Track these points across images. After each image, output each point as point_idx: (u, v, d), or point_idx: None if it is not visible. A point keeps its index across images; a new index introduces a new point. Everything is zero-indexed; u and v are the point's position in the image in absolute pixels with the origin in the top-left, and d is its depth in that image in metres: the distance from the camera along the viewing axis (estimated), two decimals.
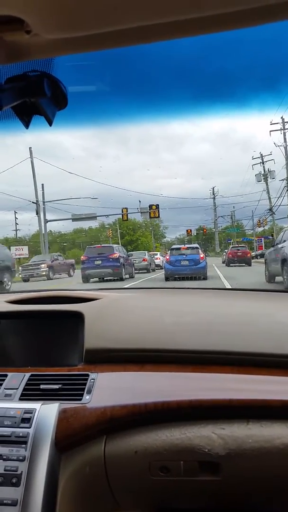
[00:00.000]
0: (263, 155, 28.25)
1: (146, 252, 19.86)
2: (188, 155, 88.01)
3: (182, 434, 0.87)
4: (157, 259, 20.51)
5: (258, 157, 28.63)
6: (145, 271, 17.04)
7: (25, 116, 0.58)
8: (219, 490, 0.92)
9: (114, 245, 15.39)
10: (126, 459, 0.89)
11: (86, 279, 13.33)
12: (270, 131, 24.34)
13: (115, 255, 13.68)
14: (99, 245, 16.12)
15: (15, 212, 33.36)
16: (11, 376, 1.01)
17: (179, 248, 13.60)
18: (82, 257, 14.58)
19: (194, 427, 0.88)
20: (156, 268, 18.87)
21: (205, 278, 11.51)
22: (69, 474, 0.88)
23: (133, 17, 0.45)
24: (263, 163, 28.32)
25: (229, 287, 7.84)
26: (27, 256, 26.30)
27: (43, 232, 22.68)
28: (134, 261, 16.26)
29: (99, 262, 13.56)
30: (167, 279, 11.97)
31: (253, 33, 0.59)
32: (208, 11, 0.45)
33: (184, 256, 12.54)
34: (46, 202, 22.56)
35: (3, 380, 1.01)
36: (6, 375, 1.02)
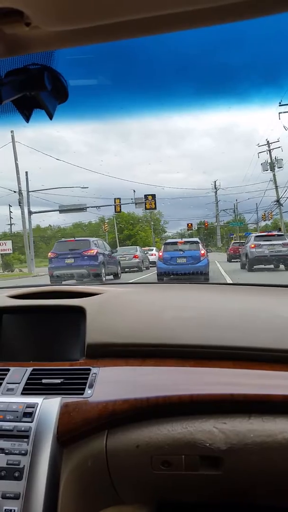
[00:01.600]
0: (269, 142, 26.77)
1: (137, 247, 16.99)
2: (190, 150, 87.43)
3: (184, 428, 0.88)
4: (152, 255, 17.70)
5: (265, 144, 26.85)
6: (136, 269, 14.47)
7: (26, 109, 0.58)
8: (220, 484, 0.93)
9: (92, 239, 12.32)
10: (127, 453, 0.89)
11: (55, 281, 10.62)
12: (279, 113, 22.13)
13: (92, 251, 10.90)
14: (72, 238, 12.80)
15: (10, 206, 32.38)
16: (13, 371, 1.01)
17: (175, 243, 11.24)
18: (49, 253, 11.82)
19: (195, 422, 0.88)
20: (151, 265, 16.16)
21: (206, 279, 9.59)
22: (71, 468, 0.89)
23: (134, 9, 0.45)
24: (269, 151, 26.81)
25: (230, 282, 8.46)
26: (11, 251, 24.67)
27: (27, 224, 20.46)
28: (123, 258, 13.96)
29: (71, 260, 10.83)
30: (159, 280, 9.69)
31: (254, 28, 0.59)
32: (209, 3, 0.45)
33: (181, 252, 10.49)
34: (31, 192, 20.40)
35: (5, 374, 1.01)
36: (8, 370, 1.02)
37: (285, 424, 0.86)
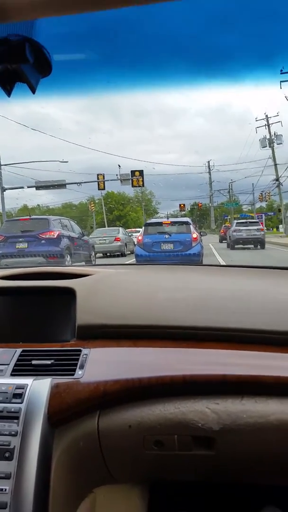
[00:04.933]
0: (268, 116, 25.14)
1: (120, 228, 15.00)
2: (183, 130, 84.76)
3: (176, 408, 0.88)
4: None
5: (263, 119, 25.49)
6: (119, 254, 12.72)
7: (7, 83, 0.55)
8: (213, 464, 0.94)
9: (53, 217, 9.59)
10: (120, 433, 0.89)
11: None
12: (280, 81, 19.32)
13: (52, 233, 8.52)
14: (27, 216, 9.83)
15: None
16: (2, 352, 1.00)
17: (159, 223, 8.92)
18: None
19: (188, 402, 0.88)
20: None
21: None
22: (62, 449, 0.89)
23: None
24: (268, 126, 25.22)
25: (223, 263, 8.14)
26: None
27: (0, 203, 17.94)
28: (103, 241, 12.40)
29: (24, 245, 8.39)
30: None
31: (248, 8, 0.62)
32: None
33: (167, 236, 8.29)
34: (3, 165, 18.30)
35: None
36: None
37: (277, 406, 0.86)
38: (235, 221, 17.13)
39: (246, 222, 16.11)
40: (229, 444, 0.87)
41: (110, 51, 0.84)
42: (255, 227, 15.23)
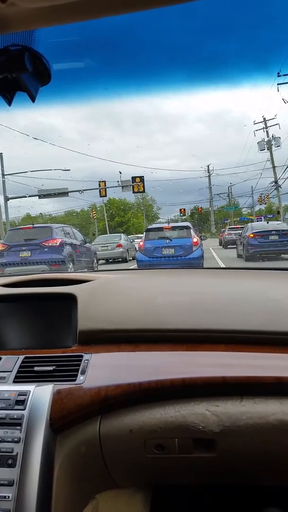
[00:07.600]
0: (266, 119, 25.26)
1: (122, 235, 15.08)
2: (182, 136, 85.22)
3: (177, 412, 0.88)
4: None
5: (261, 122, 25.58)
6: (121, 260, 12.84)
7: (7, 92, 0.56)
8: (214, 467, 0.94)
9: (55, 225, 9.70)
10: (121, 438, 0.89)
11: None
12: (278, 84, 19.27)
13: (54, 241, 8.60)
14: (30, 225, 9.79)
15: None
16: (4, 359, 1.01)
17: (160, 229, 8.99)
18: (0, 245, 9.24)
19: (188, 405, 0.88)
20: None
21: None
22: (65, 454, 0.88)
23: None
24: (266, 129, 25.33)
25: (223, 266, 8.22)
26: None
27: (3, 212, 18.22)
28: (105, 248, 12.56)
29: (27, 253, 8.49)
30: None
31: (245, 16, 0.63)
32: None
33: (168, 241, 8.35)
34: (7, 175, 18.25)
35: None
36: None
37: (276, 406, 0.86)
38: (228, 227, 23.09)
39: (235, 228, 21.70)
40: (230, 446, 0.87)
41: (108, 59, 0.85)
42: (241, 231, 20.71)
